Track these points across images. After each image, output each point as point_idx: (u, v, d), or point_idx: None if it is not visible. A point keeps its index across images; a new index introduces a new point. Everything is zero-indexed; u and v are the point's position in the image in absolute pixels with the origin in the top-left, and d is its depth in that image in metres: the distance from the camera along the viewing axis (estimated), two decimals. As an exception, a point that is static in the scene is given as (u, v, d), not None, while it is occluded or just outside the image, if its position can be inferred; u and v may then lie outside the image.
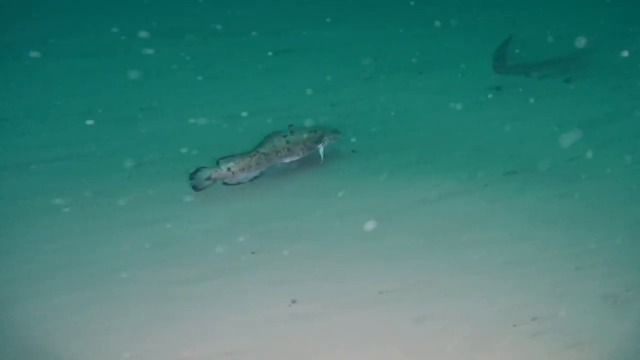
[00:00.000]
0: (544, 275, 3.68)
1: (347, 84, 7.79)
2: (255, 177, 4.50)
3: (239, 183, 4.43)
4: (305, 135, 4.73)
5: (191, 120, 6.16)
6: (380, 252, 4.04)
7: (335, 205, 4.63)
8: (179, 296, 3.77)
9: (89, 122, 6.25)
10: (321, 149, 4.80)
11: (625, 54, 8.26)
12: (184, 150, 5.46)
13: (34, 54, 8.28)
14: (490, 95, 7.52)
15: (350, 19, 10.36)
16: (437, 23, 9.71)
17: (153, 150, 5.59)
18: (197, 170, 4.35)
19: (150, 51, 8.19)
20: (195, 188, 4.37)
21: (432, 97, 7.40)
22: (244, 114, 6.27)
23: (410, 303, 3.48)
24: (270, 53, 8.74)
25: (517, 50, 8.99)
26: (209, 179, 4.33)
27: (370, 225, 4.29)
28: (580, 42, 9.06)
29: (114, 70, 7.87)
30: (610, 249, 3.96)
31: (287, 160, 4.69)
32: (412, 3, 10.42)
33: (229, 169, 4.37)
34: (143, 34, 8.73)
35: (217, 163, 4.37)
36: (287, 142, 4.63)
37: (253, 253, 4.11)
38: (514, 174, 5.17)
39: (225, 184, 4.41)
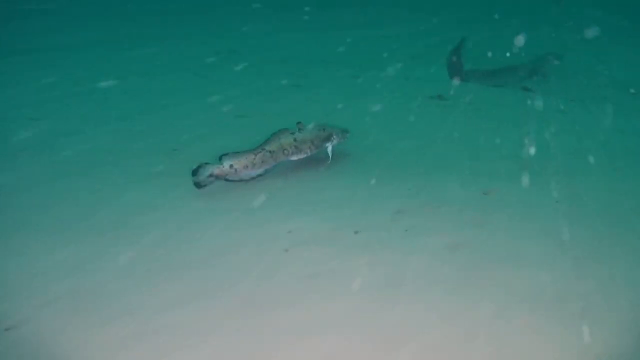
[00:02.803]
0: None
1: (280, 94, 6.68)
2: (260, 175, 4.30)
3: (241, 180, 4.24)
4: (313, 134, 4.51)
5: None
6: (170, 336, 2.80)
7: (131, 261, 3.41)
8: None
9: None
10: (329, 147, 4.59)
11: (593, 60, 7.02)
12: None
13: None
14: (426, 107, 6.29)
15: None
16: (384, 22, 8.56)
17: None
18: (199, 166, 4.11)
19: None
20: (197, 185, 4.11)
21: (362, 106, 6.19)
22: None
23: None
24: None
25: (470, 54, 7.76)
26: (211, 175, 4.12)
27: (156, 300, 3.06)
28: (548, 46, 7.86)
29: None
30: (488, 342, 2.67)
31: (294, 158, 4.44)
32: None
33: (231, 165, 4.17)
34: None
35: (220, 159, 4.17)
36: (295, 139, 4.42)
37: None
38: (403, 213, 3.89)
39: (227, 180, 4.19)
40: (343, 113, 5.98)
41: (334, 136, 4.61)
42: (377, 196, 4.14)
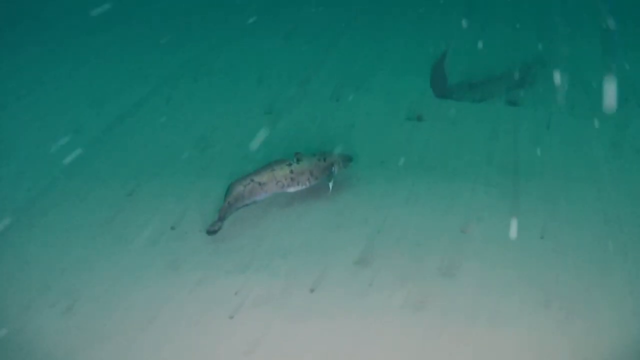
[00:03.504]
0: None
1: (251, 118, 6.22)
2: (246, 205, 4.01)
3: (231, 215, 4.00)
4: (312, 163, 4.19)
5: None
6: None
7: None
8: None
9: None
10: (330, 179, 4.24)
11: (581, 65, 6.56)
12: None
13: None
14: (405, 129, 5.83)
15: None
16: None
17: None
18: (217, 221, 3.87)
19: None
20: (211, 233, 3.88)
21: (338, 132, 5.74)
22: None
23: None
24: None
25: (454, 66, 7.32)
26: (220, 219, 3.88)
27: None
28: (533, 53, 7.43)
29: None
30: None
31: (291, 190, 4.13)
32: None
33: (229, 202, 3.92)
34: None
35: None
36: (291, 171, 4.10)
37: None
38: (367, 262, 3.47)
39: (224, 219, 3.95)
40: (317, 139, 5.56)
41: (335, 165, 4.27)
42: (340, 240, 3.73)
